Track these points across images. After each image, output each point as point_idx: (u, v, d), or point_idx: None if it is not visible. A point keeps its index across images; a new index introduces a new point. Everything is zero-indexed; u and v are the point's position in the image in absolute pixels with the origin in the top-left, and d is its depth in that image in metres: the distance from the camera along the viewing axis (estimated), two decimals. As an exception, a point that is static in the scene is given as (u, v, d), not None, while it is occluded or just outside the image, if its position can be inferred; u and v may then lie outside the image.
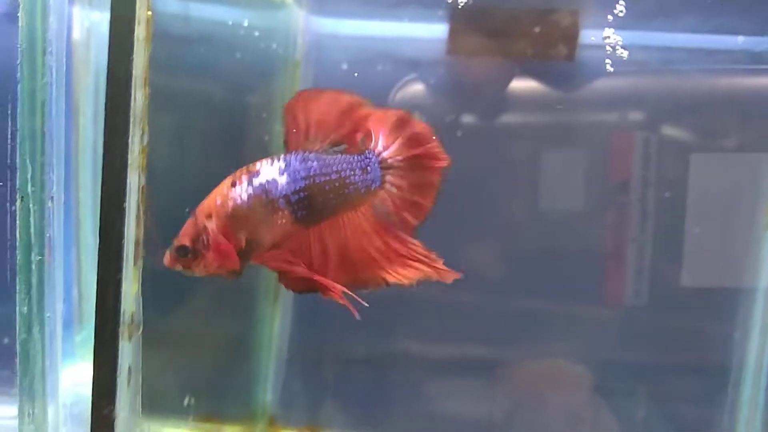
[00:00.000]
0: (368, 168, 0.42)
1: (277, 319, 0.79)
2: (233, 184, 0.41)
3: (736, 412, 0.71)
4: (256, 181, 0.41)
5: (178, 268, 0.40)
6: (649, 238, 0.70)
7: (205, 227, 0.40)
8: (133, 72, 0.39)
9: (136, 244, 0.40)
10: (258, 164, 0.41)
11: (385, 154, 0.42)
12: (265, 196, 0.41)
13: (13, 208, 0.40)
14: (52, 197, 0.42)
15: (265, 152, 0.72)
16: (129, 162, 0.39)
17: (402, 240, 0.43)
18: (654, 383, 0.73)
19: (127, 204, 0.40)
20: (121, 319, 0.40)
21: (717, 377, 0.71)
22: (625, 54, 0.64)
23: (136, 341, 0.41)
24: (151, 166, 0.42)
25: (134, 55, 0.39)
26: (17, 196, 0.40)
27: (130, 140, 0.39)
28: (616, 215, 0.71)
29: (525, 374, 0.75)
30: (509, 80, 0.71)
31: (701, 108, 0.70)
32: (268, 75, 0.71)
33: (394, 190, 0.43)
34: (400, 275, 0.43)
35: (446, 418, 0.76)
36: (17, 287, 0.41)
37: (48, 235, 0.41)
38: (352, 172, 0.42)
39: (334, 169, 0.42)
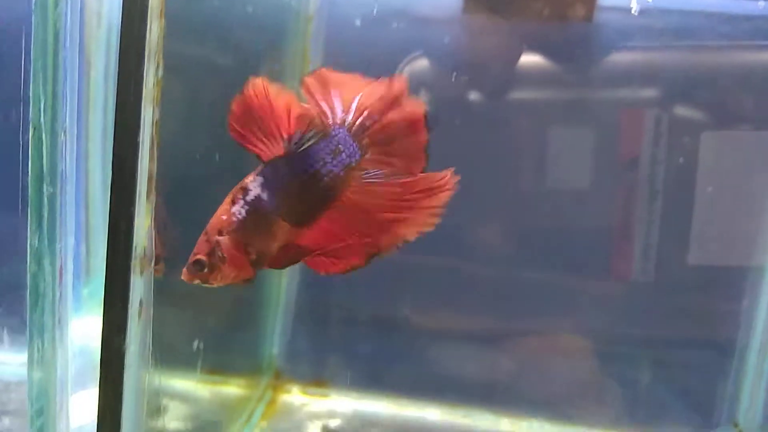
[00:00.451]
0: (339, 147, 0.42)
1: (284, 276, 0.79)
2: (233, 202, 0.42)
3: (740, 382, 0.72)
4: (248, 198, 0.41)
5: (196, 282, 0.42)
6: (657, 216, 0.70)
7: (218, 242, 0.41)
8: (149, 2, 0.38)
9: (149, 178, 0.40)
10: (247, 179, 0.42)
11: (357, 123, 0.42)
12: (257, 212, 0.42)
13: (26, 138, 0.40)
14: (65, 130, 0.41)
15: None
16: (143, 95, 0.39)
17: (404, 185, 0.42)
18: (659, 356, 0.73)
19: (141, 138, 0.39)
20: (133, 252, 0.40)
21: (723, 351, 0.72)
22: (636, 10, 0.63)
23: (147, 276, 0.41)
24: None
25: (150, -15, 0.38)
26: (30, 127, 0.40)
27: (144, 72, 0.39)
28: (624, 193, 0.71)
29: (529, 344, 0.76)
30: (518, 56, 0.71)
31: (716, 84, 0.69)
32: (280, 29, 0.71)
33: (379, 155, 0.42)
34: (418, 224, 0.42)
35: (449, 380, 0.76)
36: (28, 220, 0.41)
37: (60, 167, 0.41)
38: (322, 162, 0.42)
39: (302, 168, 0.42)
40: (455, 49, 0.72)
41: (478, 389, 0.77)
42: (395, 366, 0.79)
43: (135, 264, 0.40)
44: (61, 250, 0.41)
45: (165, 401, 0.51)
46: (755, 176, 0.69)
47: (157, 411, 0.49)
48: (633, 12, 0.66)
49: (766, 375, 0.70)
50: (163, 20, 0.39)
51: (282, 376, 0.80)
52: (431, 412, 0.76)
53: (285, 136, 0.41)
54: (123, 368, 0.40)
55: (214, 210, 0.48)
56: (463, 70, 0.72)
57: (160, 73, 0.40)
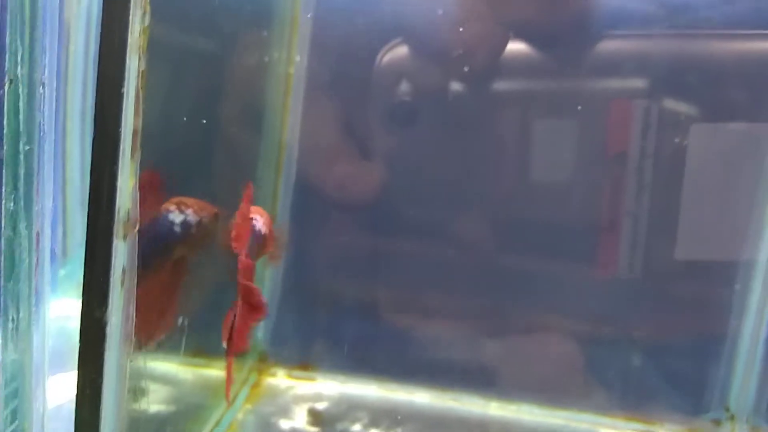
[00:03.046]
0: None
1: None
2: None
3: (731, 367, 0.71)
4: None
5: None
6: (645, 210, 0.68)
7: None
8: (136, -56, 0.35)
9: (134, 134, 0.37)
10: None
11: None
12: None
13: (0, 92, 0.37)
14: (44, 83, 0.38)
15: (264, 79, 0.69)
16: (129, 43, 0.36)
17: None
18: (649, 344, 0.72)
19: (125, 89, 0.36)
20: (116, 216, 0.37)
21: (714, 338, 0.71)
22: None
23: (131, 240, 0.38)
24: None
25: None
26: (5, 80, 0.37)
27: (130, 19, 0.36)
28: (611, 186, 0.69)
29: (518, 329, 0.74)
30: (503, 45, 0.69)
31: (707, 74, 0.67)
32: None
33: None
34: None
35: (434, 363, 0.75)
36: (3, 180, 0.38)
37: (38, 122, 0.38)
38: None
39: None
40: (439, 33, 0.70)
41: (467, 373, 0.75)
42: (382, 350, 0.77)
43: (118, 228, 0.37)
44: (38, 213, 0.38)
45: (147, 383, 0.48)
46: (745, 169, 0.67)
47: (138, 391, 0.46)
48: None
49: (758, 360, 0.69)
50: (150, -37, 0.36)
51: (267, 360, 0.78)
52: (420, 396, 0.75)
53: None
54: (104, 341, 0.37)
55: (200, 175, 0.48)
56: (445, 57, 0.69)
57: (147, 20, 0.37)
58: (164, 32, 0.43)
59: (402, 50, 0.71)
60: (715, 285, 0.70)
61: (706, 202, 0.68)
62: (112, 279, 0.38)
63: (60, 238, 0.69)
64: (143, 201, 0.39)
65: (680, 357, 0.72)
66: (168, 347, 0.55)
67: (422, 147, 0.73)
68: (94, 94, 0.36)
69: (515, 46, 0.70)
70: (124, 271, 0.39)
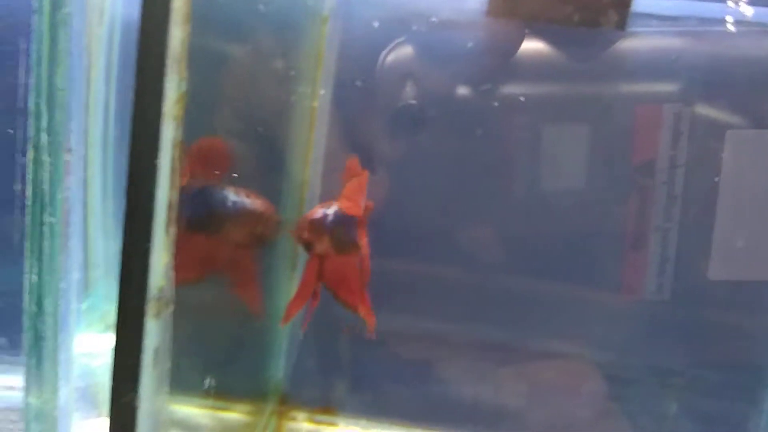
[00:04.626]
0: None
1: (292, 294, 0.75)
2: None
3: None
4: None
5: None
6: (674, 225, 0.65)
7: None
8: (173, 3, 0.33)
9: (169, 207, 0.35)
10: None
11: None
12: None
13: (24, 159, 0.34)
14: (70, 149, 0.36)
15: (289, 115, 0.67)
16: (163, 112, 0.33)
17: None
18: (680, 381, 0.69)
19: (160, 161, 0.34)
20: (149, 294, 0.35)
21: (754, 375, 0.67)
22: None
23: (165, 319, 0.36)
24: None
25: (175, -15, 0.33)
26: (29, 146, 0.34)
27: (165, 86, 0.33)
28: (637, 199, 0.66)
29: (539, 368, 0.72)
30: (518, 43, 0.66)
31: (743, 76, 0.63)
32: (295, 30, 0.66)
33: None
34: None
35: (461, 402, 0.72)
36: (26, 252, 0.35)
37: (63, 194, 0.35)
38: None
39: None
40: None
41: (490, 415, 0.73)
42: (405, 389, 0.75)
43: (150, 306, 0.35)
44: (64, 291, 0.36)
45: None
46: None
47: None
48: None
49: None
50: (188, 25, 0.34)
51: (288, 402, 0.76)
52: (441, 437, 0.72)
53: None
54: (134, 429, 0.35)
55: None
56: (453, 59, 0.66)
57: (184, 86, 0.34)
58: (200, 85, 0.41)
59: (405, 51, 0.67)
60: (754, 309, 0.66)
61: (743, 216, 0.64)
62: (144, 362, 0.35)
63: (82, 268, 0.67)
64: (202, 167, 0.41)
65: (715, 391, 0.69)
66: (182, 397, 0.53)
67: (424, 158, 0.70)
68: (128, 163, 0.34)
69: (530, 45, 0.66)
70: (156, 351, 0.36)
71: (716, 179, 0.64)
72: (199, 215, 0.47)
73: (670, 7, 0.64)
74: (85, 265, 0.63)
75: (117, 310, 0.34)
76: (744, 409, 0.68)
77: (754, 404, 0.68)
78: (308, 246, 0.55)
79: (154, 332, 0.35)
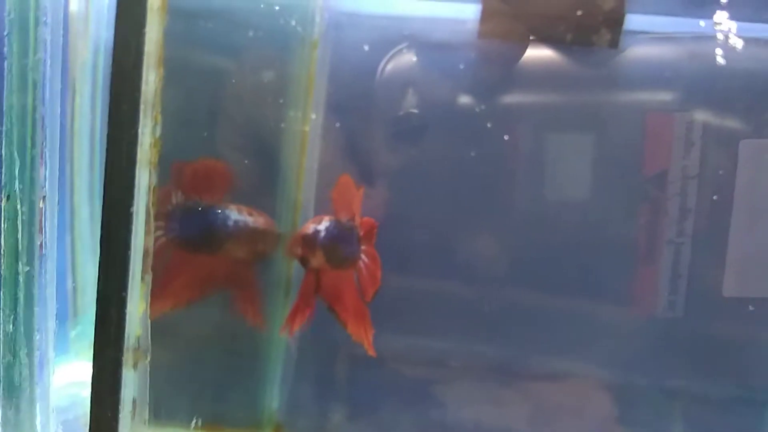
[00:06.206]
0: None
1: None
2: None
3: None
4: None
5: None
6: (687, 239, 0.63)
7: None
8: (145, 48, 0.32)
9: (145, 254, 0.34)
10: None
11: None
12: None
13: (-3, 205, 0.33)
14: (44, 196, 0.35)
15: (280, 140, 0.66)
16: (138, 158, 0.33)
17: None
18: (691, 406, 0.68)
19: (135, 208, 0.33)
20: (126, 344, 0.34)
21: (765, 395, 0.66)
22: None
23: (143, 369, 0.35)
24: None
25: (147, 28, 0.32)
26: (2, 195, 0.33)
27: (139, 132, 0.32)
28: (648, 211, 0.64)
29: (547, 389, 0.71)
30: (522, 51, 0.65)
31: (759, 84, 0.62)
32: (285, 55, 0.65)
33: None
34: None
35: (462, 427, 0.71)
36: (1, 302, 0.34)
37: (39, 242, 0.35)
38: None
39: None
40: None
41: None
42: (403, 414, 0.74)
43: (127, 357, 0.34)
44: (39, 342, 0.35)
45: None
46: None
47: None
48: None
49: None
50: (161, 70, 0.33)
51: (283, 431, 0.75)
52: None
53: None
54: (114, 482, 0.34)
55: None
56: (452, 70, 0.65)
57: (158, 131, 0.33)
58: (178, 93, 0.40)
59: (407, 58, 0.67)
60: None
61: (759, 229, 0.63)
62: (121, 414, 0.34)
63: (70, 295, 0.67)
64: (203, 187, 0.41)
65: (729, 412, 0.68)
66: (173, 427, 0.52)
67: (428, 169, 0.69)
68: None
69: (534, 53, 0.65)
70: (134, 402, 0.35)
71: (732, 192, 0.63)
72: (201, 236, 0.47)
73: (663, 24, 0.63)
74: (74, 291, 0.63)
75: (93, 361, 0.34)
76: (757, 426, 0.67)
77: (765, 424, 0.66)
78: (303, 261, 0.55)
79: (131, 383, 0.34)
